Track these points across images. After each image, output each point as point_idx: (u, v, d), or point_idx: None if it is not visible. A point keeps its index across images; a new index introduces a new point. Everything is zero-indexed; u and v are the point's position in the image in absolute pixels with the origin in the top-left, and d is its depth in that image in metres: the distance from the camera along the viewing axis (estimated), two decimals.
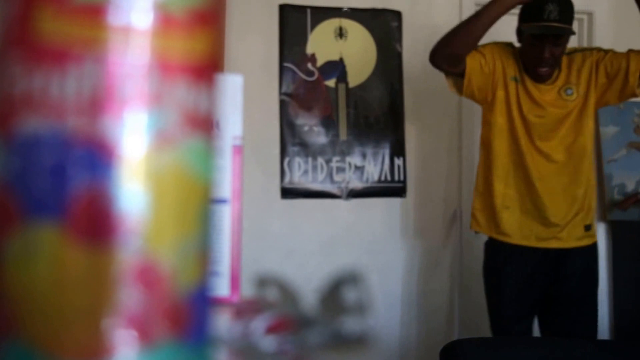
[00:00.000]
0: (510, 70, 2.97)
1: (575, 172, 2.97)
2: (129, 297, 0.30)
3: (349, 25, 3.79)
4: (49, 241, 0.30)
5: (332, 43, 3.76)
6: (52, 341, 0.30)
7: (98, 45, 0.30)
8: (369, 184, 3.82)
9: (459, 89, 2.98)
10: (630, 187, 4.21)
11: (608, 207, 4.18)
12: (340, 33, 3.76)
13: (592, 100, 2.97)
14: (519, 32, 2.95)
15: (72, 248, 0.30)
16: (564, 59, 2.98)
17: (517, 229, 2.99)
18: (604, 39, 4.32)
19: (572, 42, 4.37)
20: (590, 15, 4.34)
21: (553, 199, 2.95)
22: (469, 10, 4.07)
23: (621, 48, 4.42)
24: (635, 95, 2.99)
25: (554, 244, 2.99)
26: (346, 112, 3.75)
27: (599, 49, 3.04)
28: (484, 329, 3.98)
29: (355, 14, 3.81)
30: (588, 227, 3.03)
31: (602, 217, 4.24)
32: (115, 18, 0.30)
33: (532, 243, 2.99)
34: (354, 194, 3.78)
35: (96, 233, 0.30)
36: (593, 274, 3.08)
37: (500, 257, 3.05)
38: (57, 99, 0.30)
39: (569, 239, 2.99)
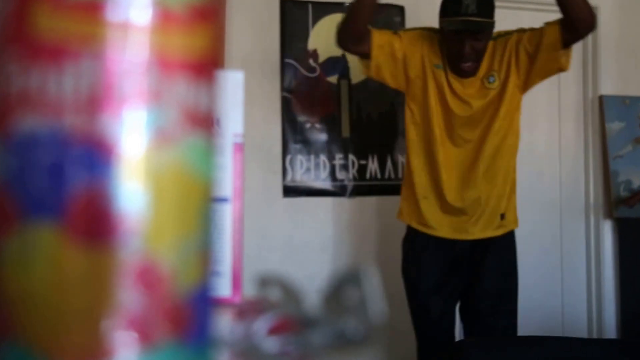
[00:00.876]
0: (432, 58, 2.91)
1: (493, 160, 2.91)
2: (129, 298, 0.30)
3: None
4: (47, 241, 0.30)
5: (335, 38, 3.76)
6: (51, 343, 0.29)
7: (96, 42, 0.30)
8: (372, 182, 3.82)
9: (368, 69, 2.94)
10: (637, 183, 4.21)
11: (614, 204, 4.18)
12: None
13: (511, 84, 2.89)
14: (441, 28, 2.88)
15: (71, 248, 0.30)
16: (489, 45, 2.90)
17: (435, 219, 2.95)
18: (609, 34, 4.33)
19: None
20: (595, 9, 4.33)
21: (467, 189, 2.90)
22: None
23: (628, 44, 4.43)
24: (562, 70, 2.91)
25: (468, 235, 2.93)
26: (349, 109, 3.74)
27: (519, 30, 2.94)
28: None
29: None
30: (503, 216, 2.96)
31: (608, 215, 4.24)
32: (113, 14, 0.30)
33: (449, 234, 2.94)
34: (357, 192, 3.78)
35: (95, 233, 0.30)
36: (509, 265, 3.02)
37: (420, 247, 3.00)
38: (55, 97, 0.30)
39: (485, 229, 2.93)
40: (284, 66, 3.68)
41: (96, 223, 0.30)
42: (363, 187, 3.78)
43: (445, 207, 2.93)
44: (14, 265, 0.30)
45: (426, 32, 2.98)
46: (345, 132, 3.73)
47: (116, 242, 0.30)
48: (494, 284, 2.95)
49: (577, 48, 4.37)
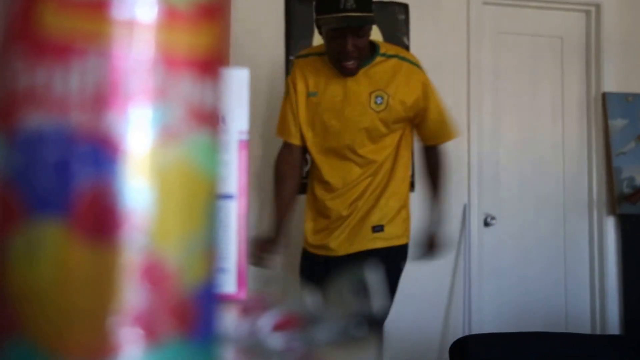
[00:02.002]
0: (309, 87, 2.84)
1: (366, 177, 2.83)
2: (135, 294, 0.30)
3: None
4: (53, 238, 0.30)
5: None
6: (56, 340, 0.29)
7: (102, 39, 0.30)
8: None
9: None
10: None
11: (617, 201, 4.18)
12: None
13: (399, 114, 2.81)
14: (318, 26, 2.75)
15: (77, 245, 0.30)
16: (393, 63, 2.82)
17: (309, 235, 2.92)
18: (612, 32, 4.32)
19: (580, 35, 4.38)
20: (597, 6, 4.32)
21: (330, 204, 2.86)
22: (476, 2, 4.06)
23: (631, 42, 4.42)
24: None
25: (328, 252, 2.86)
26: None
27: (422, 72, 2.88)
28: (493, 326, 3.99)
29: None
30: (378, 228, 2.85)
31: (612, 211, 4.24)
32: (119, 12, 0.30)
33: (316, 251, 2.90)
34: None
35: (101, 230, 0.30)
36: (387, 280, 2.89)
37: (302, 264, 2.99)
38: (61, 94, 0.30)
39: (352, 244, 2.84)
40: (288, 63, 3.68)
41: (102, 220, 0.30)
42: None
43: (315, 224, 2.91)
44: (20, 262, 0.30)
45: (303, 61, 2.89)
46: None
47: (122, 239, 0.30)
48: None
49: (580, 45, 4.37)
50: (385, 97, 2.75)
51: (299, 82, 2.85)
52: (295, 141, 2.89)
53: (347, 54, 2.67)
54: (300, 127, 2.87)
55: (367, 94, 2.76)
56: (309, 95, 2.83)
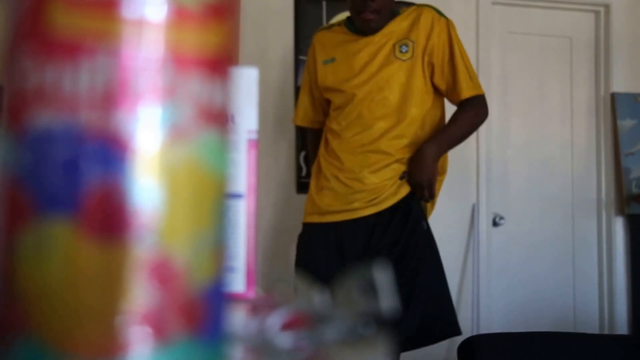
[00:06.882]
0: (320, 57, 2.77)
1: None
2: (143, 293, 0.30)
3: None
4: (62, 237, 0.30)
5: None
6: (65, 339, 0.29)
7: (111, 38, 0.30)
8: None
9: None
10: None
11: (626, 201, 4.16)
12: None
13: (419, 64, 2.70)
14: None
15: (86, 244, 0.30)
16: (412, 12, 2.74)
17: None
18: (620, 32, 4.30)
19: (589, 35, 4.36)
20: (607, 7, 4.31)
21: None
22: (485, 2, 4.05)
23: (639, 42, 4.40)
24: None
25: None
26: None
27: (445, 21, 2.76)
28: (502, 325, 3.98)
29: None
30: None
31: (620, 211, 4.22)
32: (128, 11, 0.30)
33: None
34: None
35: (110, 229, 0.30)
36: None
37: None
38: (70, 93, 0.30)
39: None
40: (297, 63, 3.67)
41: (111, 219, 0.30)
42: None
43: None
44: (29, 260, 0.30)
45: (315, 40, 2.84)
46: None
47: (131, 237, 0.30)
48: None
49: (588, 45, 4.36)
50: (410, 44, 2.70)
51: (309, 68, 2.83)
52: None
53: (366, 7, 2.59)
54: None
55: (390, 45, 2.70)
56: (323, 62, 2.77)
